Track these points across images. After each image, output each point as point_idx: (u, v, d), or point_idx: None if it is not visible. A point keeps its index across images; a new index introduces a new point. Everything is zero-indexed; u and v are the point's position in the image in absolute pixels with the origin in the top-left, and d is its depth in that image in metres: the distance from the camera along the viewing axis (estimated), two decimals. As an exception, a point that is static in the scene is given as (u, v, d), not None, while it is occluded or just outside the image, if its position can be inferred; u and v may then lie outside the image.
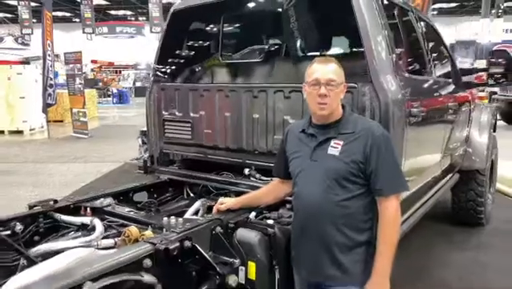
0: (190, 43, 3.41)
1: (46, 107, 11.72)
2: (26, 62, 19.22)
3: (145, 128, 8.20)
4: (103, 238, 1.98)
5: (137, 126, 11.27)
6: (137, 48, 31.85)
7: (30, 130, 12.59)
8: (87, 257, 1.66)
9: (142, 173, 3.30)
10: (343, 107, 1.84)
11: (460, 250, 3.99)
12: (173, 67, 3.36)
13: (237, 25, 3.51)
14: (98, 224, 2.02)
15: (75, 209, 2.31)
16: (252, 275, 1.90)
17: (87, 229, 2.09)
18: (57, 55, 15.45)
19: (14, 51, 26.89)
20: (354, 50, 3.01)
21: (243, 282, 1.89)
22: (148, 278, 1.56)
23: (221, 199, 2.25)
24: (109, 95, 25.31)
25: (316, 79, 1.73)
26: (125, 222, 2.15)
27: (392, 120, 2.28)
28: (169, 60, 3.36)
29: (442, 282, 3.40)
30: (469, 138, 4.20)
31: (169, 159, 3.32)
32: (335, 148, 1.75)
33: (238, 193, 2.53)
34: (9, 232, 2.00)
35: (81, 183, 6.56)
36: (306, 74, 1.80)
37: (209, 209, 2.52)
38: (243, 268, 1.90)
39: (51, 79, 11.67)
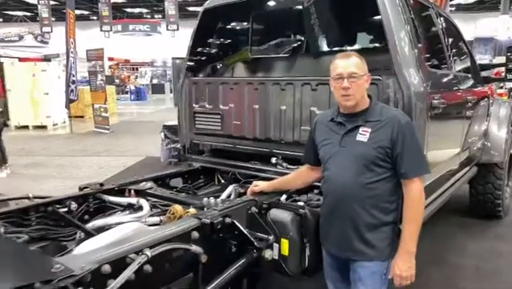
0: (220, 39, 3.60)
1: (69, 102, 12.08)
2: (47, 59, 19.72)
3: (168, 123, 8.47)
4: (149, 216, 2.18)
5: (156, 122, 11.50)
6: (153, 46, 32.23)
7: (54, 125, 12.99)
8: (140, 229, 1.86)
9: (172, 164, 3.51)
10: (370, 97, 1.98)
11: (477, 240, 4.10)
12: (204, 62, 3.55)
13: (265, 21, 3.69)
14: (144, 203, 2.23)
15: (119, 191, 2.52)
16: (285, 251, 2.08)
17: (132, 208, 2.30)
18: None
19: (33, 49, 27.54)
20: (377, 45, 3.15)
21: (277, 258, 2.07)
22: (195, 248, 1.74)
23: (255, 182, 2.42)
24: (127, 92, 25.74)
25: (339, 74, 1.88)
26: (167, 203, 2.34)
27: (415, 111, 2.42)
28: (200, 55, 3.55)
29: (458, 269, 3.53)
30: (488, 132, 4.30)
31: (199, 149, 3.52)
32: (363, 134, 1.89)
33: (266, 180, 2.70)
34: (66, 209, 2.22)
35: (106, 175, 6.82)
36: (331, 69, 1.95)
37: (240, 195, 2.71)
38: (277, 245, 2.08)
39: (74, 75, 12.02)
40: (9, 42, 28.94)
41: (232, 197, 2.71)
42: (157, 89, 27.77)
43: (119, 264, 1.48)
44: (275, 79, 3.08)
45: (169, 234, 1.72)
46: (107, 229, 1.96)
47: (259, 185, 2.35)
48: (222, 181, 3.13)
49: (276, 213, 2.15)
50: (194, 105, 3.46)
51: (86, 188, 2.44)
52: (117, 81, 27.50)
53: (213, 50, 3.59)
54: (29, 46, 28.90)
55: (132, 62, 34.59)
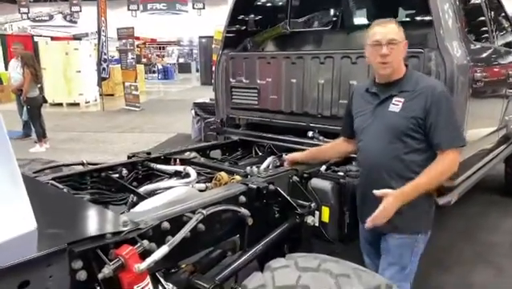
0: (257, 14, 3.63)
1: (101, 80, 12.36)
2: (77, 38, 20.11)
3: (198, 100, 8.57)
4: (196, 182, 2.29)
5: (184, 100, 11.66)
6: (180, 25, 32.26)
7: (86, 103, 13.37)
8: (191, 192, 1.97)
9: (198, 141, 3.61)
10: (406, 66, 1.93)
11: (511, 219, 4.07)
12: (241, 37, 3.60)
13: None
14: (191, 171, 2.34)
15: (165, 160, 2.64)
16: (326, 218, 2.17)
17: (179, 176, 2.41)
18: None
19: (63, 29, 28.04)
20: (416, 18, 3.12)
21: (317, 224, 2.16)
22: (243, 210, 1.84)
23: (289, 154, 2.47)
24: (154, 72, 26.03)
25: (377, 40, 1.83)
26: (212, 171, 2.45)
27: (457, 84, 2.42)
28: (237, 30, 3.60)
29: (491, 246, 3.53)
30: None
31: (235, 123, 3.60)
32: (396, 105, 1.86)
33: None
34: (117, 175, 2.36)
35: (140, 150, 7.03)
36: (367, 36, 1.90)
37: (277, 168, 2.79)
38: (317, 212, 2.16)
39: (105, 54, 12.26)
40: (40, 22, 29.56)
41: (270, 168, 2.78)
42: (184, 68, 27.94)
43: (177, 222, 1.58)
44: (314, 52, 3.11)
45: (220, 197, 1.82)
46: (159, 194, 2.08)
47: (293, 155, 2.40)
48: (259, 154, 3.21)
49: (317, 182, 2.22)
50: (231, 80, 3.53)
51: (134, 156, 2.57)
52: (144, 60, 27.80)
53: (251, 25, 3.63)
54: (58, 25, 29.40)
55: (158, 41, 34.79)
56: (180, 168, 2.43)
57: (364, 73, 2.69)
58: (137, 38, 33.08)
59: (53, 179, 2.05)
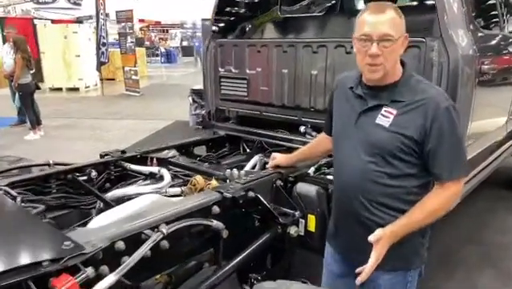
0: (247, -2, 3.37)
1: (100, 65, 12.12)
2: (79, 21, 19.79)
3: (196, 87, 8.34)
4: (170, 186, 2.09)
5: (185, 85, 11.52)
6: (183, 7, 31.71)
7: (86, 88, 13.15)
8: (159, 202, 1.78)
9: (200, 128, 3.41)
10: (403, 65, 1.49)
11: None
12: (230, 23, 3.35)
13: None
14: (166, 173, 2.14)
15: (141, 159, 2.44)
16: (312, 227, 1.96)
17: (154, 178, 2.22)
18: (107, 15, 15.80)
19: (66, 11, 27.69)
20: (416, 3, 2.84)
21: (302, 234, 1.96)
22: (216, 223, 1.64)
23: (273, 154, 2.21)
24: (157, 55, 25.71)
25: (366, 34, 1.38)
26: (190, 173, 2.25)
27: (461, 77, 2.17)
28: (226, 15, 3.34)
29: (498, 247, 3.32)
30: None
31: (225, 116, 3.38)
32: (385, 117, 1.43)
33: (292, 150, 2.54)
34: (85, 177, 2.16)
35: (136, 138, 6.85)
36: (356, 24, 1.44)
37: (265, 165, 2.58)
38: (303, 221, 1.96)
39: (104, 37, 11.98)
40: (43, 4, 29.20)
41: (257, 167, 2.58)
42: (187, 51, 27.54)
43: (135, 241, 1.40)
44: (306, 40, 2.86)
45: (189, 208, 1.62)
46: (126, 200, 1.89)
47: (277, 158, 2.14)
48: (248, 150, 3.01)
49: (303, 187, 2.01)
50: (220, 69, 3.30)
51: (107, 155, 2.38)
52: (147, 43, 27.44)
53: (241, 10, 3.37)
54: (62, 7, 29.05)
55: (162, 24, 34.35)
56: (155, 169, 2.23)
57: (360, 64, 2.44)
58: (142, 21, 32.77)
59: (10, 184, 1.86)
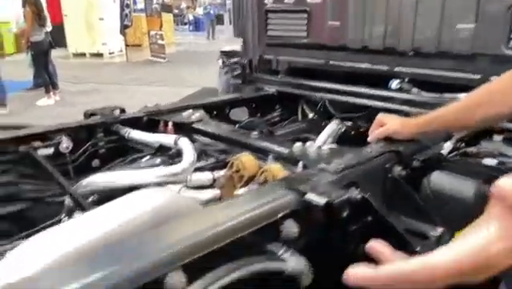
0: None
1: (124, 28, 11.32)
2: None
3: (225, 48, 7.33)
4: (196, 169, 1.17)
5: (214, 52, 10.61)
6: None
7: (110, 53, 12.44)
8: (169, 206, 0.86)
9: (239, 84, 2.48)
10: None
11: None
12: None
13: None
14: (186, 147, 1.20)
15: (150, 122, 1.53)
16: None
17: (167, 154, 1.31)
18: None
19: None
20: None
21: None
22: (293, 263, 0.73)
23: (380, 116, 1.25)
24: (185, 23, 24.83)
25: None
26: (227, 147, 1.32)
27: None
28: None
29: None
30: None
31: (271, 68, 2.42)
32: None
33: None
34: (51, 151, 1.26)
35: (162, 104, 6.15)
36: None
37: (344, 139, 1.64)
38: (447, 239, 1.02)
39: (128, -1, 11.13)
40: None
41: (329, 141, 1.62)
42: (216, 20, 26.50)
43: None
44: None
45: (234, 229, 0.70)
46: (112, 198, 0.98)
47: (389, 124, 1.18)
48: (310, 116, 2.04)
49: (444, 181, 1.05)
50: (266, 1, 2.33)
51: (94, 114, 1.48)
52: (176, 11, 26.43)
53: None
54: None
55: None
56: (170, 139, 1.30)
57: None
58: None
59: None
